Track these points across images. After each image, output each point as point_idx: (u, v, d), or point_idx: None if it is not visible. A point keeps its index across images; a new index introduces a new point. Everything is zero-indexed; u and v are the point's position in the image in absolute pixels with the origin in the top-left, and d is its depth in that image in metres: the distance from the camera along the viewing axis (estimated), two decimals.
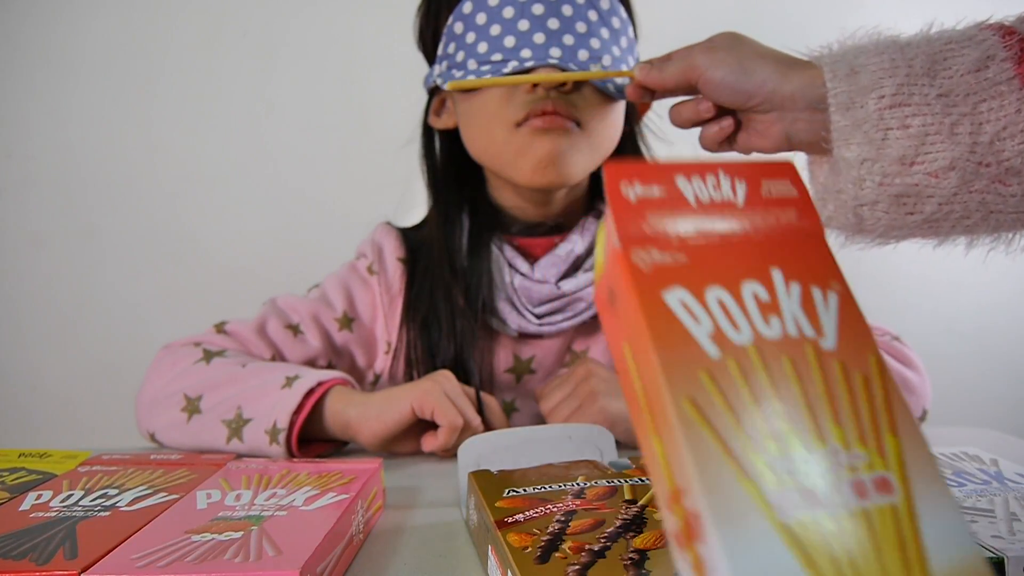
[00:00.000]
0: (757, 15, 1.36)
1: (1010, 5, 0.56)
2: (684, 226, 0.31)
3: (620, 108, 0.81)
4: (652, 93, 0.65)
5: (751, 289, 0.29)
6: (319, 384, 0.72)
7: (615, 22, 0.77)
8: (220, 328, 0.84)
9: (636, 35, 0.83)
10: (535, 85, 0.74)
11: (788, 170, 0.34)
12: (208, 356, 0.79)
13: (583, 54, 0.75)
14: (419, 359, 0.83)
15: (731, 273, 0.30)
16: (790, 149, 0.59)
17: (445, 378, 0.74)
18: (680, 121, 0.64)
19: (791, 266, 0.31)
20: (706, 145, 0.64)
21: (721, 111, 0.62)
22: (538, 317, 0.82)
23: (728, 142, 0.63)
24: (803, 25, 1.34)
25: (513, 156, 0.77)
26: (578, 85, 0.76)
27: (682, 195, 0.31)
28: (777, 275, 0.30)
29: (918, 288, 1.39)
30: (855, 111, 0.52)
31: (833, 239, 0.59)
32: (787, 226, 0.32)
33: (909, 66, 0.52)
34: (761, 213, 0.32)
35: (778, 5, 1.38)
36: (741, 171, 0.33)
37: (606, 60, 0.76)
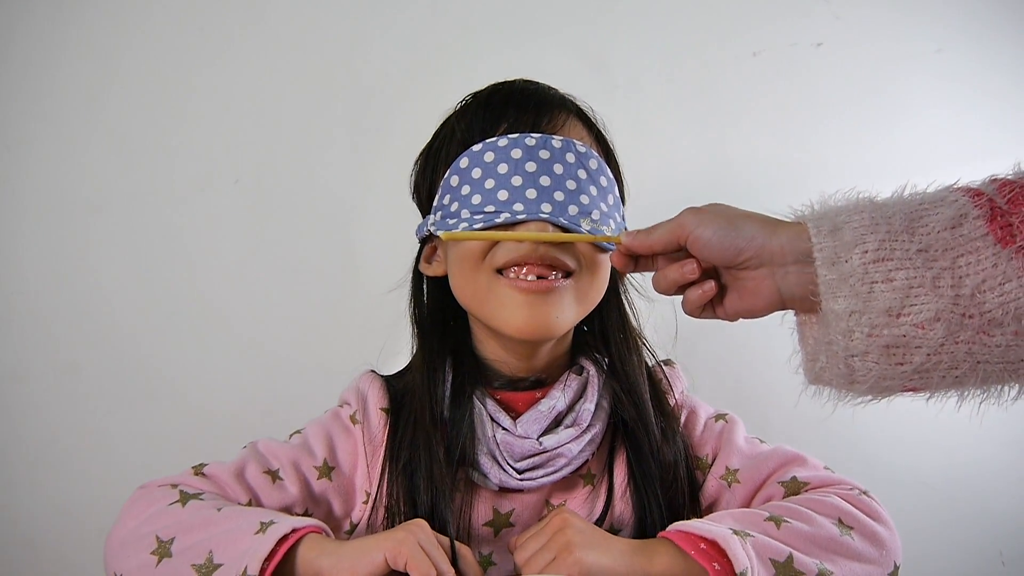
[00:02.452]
0: (732, 181, 1.45)
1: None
2: None
3: (608, 259, 0.84)
4: (636, 262, 0.68)
5: None
6: (293, 531, 0.72)
7: (603, 181, 0.82)
8: (198, 470, 0.83)
9: (623, 196, 0.88)
10: None
11: None
12: (184, 498, 0.78)
13: (572, 209, 0.79)
14: (400, 510, 0.82)
15: None
16: (781, 307, 0.61)
17: (419, 528, 0.73)
18: (665, 285, 0.66)
19: None
20: (690, 310, 0.66)
21: (704, 275, 0.64)
22: (519, 472, 0.83)
23: (711, 307, 0.65)
24: (778, 192, 1.43)
25: (498, 306, 0.80)
26: None
27: None
28: None
29: (886, 441, 1.41)
30: (841, 266, 0.55)
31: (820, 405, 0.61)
32: None
33: (889, 223, 0.55)
34: None
35: (756, 177, 1.46)
36: None
37: (595, 215, 0.80)
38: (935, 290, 0.52)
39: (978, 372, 0.54)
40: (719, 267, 0.63)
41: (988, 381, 0.55)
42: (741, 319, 0.65)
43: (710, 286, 0.63)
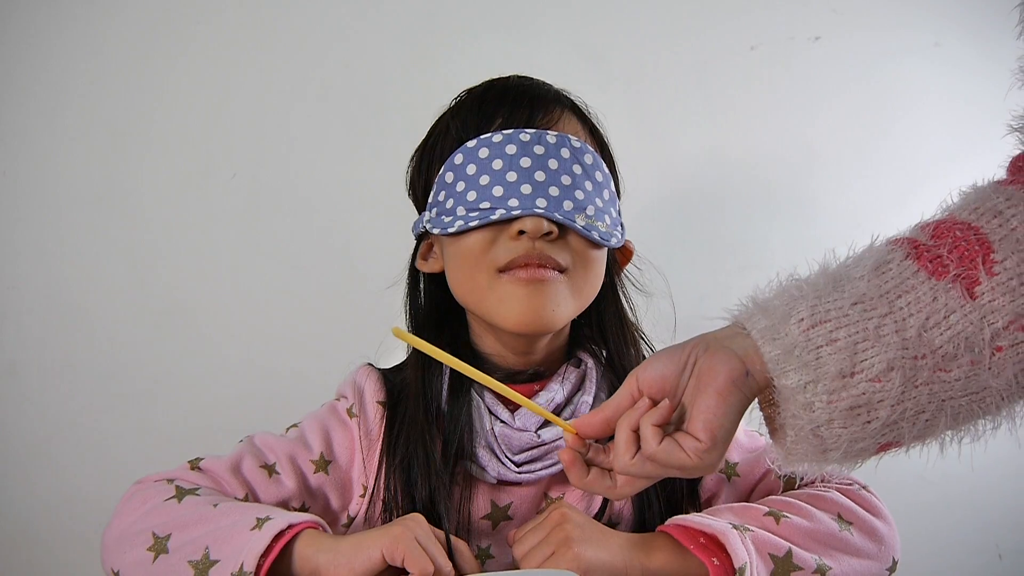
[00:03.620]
0: (729, 175, 1.45)
1: None
2: None
3: (603, 255, 0.85)
4: (589, 469, 0.63)
5: None
6: (289, 527, 0.72)
7: (598, 176, 0.82)
8: (195, 464, 0.83)
9: (619, 191, 0.88)
10: (520, 232, 0.78)
11: None
12: (180, 494, 0.78)
13: (567, 204, 0.79)
14: (398, 504, 0.82)
15: None
16: (743, 368, 0.56)
17: (416, 522, 0.73)
18: (623, 443, 0.59)
19: None
20: (652, 442, 0.58)
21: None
22: (517, 465, 0.83)
23: (677, 443, 0.58)
24: (775, 186, 1.44)
25: (497, 303, 0.80)
26: (563, 233, 0.80)
27: None
28: None
29: None
30: (782, 339, 0.54)
31: None
32: None
33: (815, 288, 0.55)
34: None
35: (753, 171, 1.46)
36: None
37: (589, 211, 0.80)
38: (880, 340, 0.51)
39: (945, 411, 0.53)
40: (674, 397, 0.59)
41: (959, 419, 0.54)
42: (709, 436, 0.56)
43: (665, 403, 0.58)
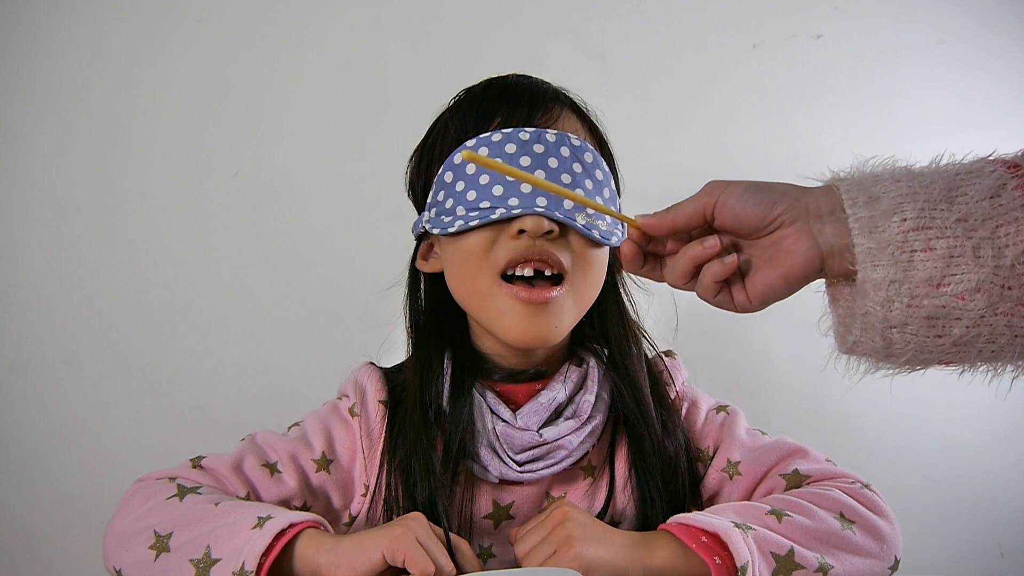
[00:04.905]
0: (731, 174, 1.44)
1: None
2: None
3: (604, 254, 0.84)
4: (644, 260, 0.65)
5: None
6: (290, 526, 0.71)
7: (598, 174, 0.82)
8: (196, 463, 0.83)
9: (619, 189, 0.87)
10: (521, 232, 0.78)
11: None
12: (182, 492, 0.78)
13: (568, 203, 0.79)
14: (399, 504, 0.82)
15: None
16: (819, 262, 0.57)
17: (416, 522, 0.73)
18: (681, 267, 0.62)
19: None
20: (706, 288, 0.61)
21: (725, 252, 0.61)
22: (519, 464, 0.82)
23: (729, 292, 0.61)
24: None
25: (497, 314, 0.80)
26: (564, 232, 0.80)
27: None
28: None
29: (887, 433, 1.41)
30: (878, 234, 0.54)
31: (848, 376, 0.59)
32: None
33: (927, 192, 0.54)
34: None
35: (754, 169, 1.46)
36: None
37: (590, 209, 0.80)
38: (976, 260, 0.52)
39: (1016, 346, 0.53)
40: (745, 239, 0.60)
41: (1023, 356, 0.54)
42: (760, 302, 0.60)
43: (732, 258, 0.60)
